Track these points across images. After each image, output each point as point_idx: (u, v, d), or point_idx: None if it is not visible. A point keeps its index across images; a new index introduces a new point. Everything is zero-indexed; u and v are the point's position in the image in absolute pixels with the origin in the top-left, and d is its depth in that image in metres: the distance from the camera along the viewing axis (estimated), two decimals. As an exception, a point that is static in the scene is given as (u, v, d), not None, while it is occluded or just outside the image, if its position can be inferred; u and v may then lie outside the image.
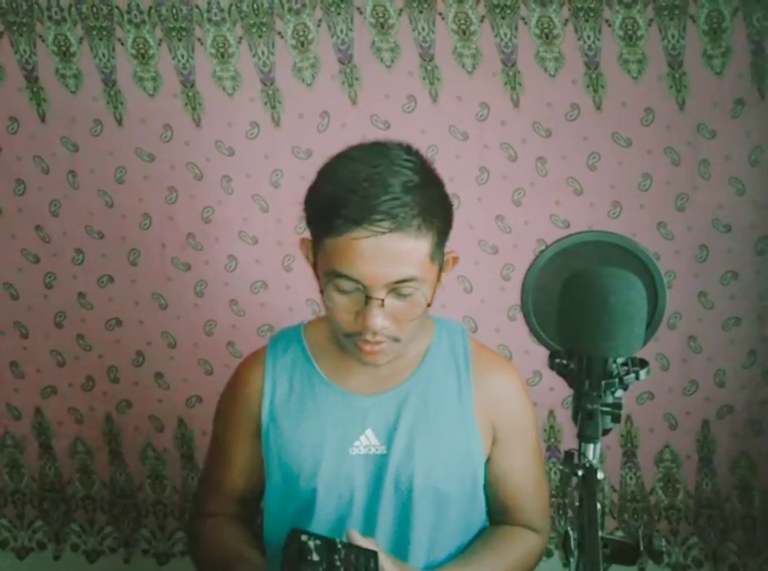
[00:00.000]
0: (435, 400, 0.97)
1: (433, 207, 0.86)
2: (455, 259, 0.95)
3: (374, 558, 0.80)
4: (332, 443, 0.95)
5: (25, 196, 1.64)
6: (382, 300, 0.83)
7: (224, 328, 1.65)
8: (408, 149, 0.88)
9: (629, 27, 1.46)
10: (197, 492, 1.12)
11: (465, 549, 1.00)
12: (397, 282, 0.84)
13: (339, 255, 0.83)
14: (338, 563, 0.76)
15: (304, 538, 0.77)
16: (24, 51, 1.56)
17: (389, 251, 0.82)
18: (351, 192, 0.82)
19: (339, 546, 0.79)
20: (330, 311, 0.89)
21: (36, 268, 1.67)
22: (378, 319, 0.84)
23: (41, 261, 1.66)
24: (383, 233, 0.81)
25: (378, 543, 0.86)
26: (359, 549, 0.81)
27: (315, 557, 0.75)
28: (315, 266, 0.91)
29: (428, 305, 0.87)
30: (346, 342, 0.91)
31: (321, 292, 0.89)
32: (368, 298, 0.84)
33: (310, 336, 1.02)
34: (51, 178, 1.62)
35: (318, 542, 0.78)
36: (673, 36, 1.46)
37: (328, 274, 0.86)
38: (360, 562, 0.78)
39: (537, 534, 1.04)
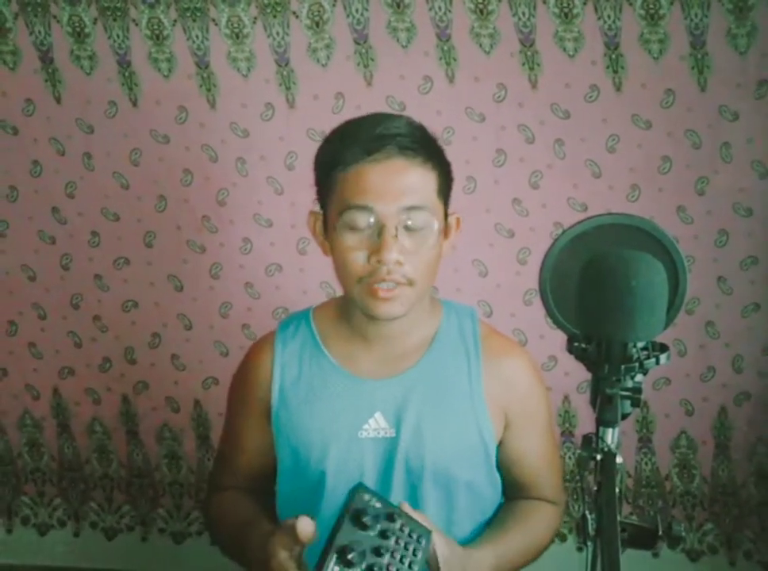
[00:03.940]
0: (444, 384, 0.97)
1: (436, 151, 0.91)
2: (458, 221, 0.98)
3: (428, 538, 0.79)
4: (340, 426, 0.95)
5: (42, 177, 1.64)
6: (395, 227, 0.85)
7: (240, 311, 1.66)
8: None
9: (651, 6, 1.43)
10: (212, 470, 1.14)
11: (488, 525, 1.01)
12: (409, 208, 0.86)
13: (350, 187, 0.86)
14: (389, 534, 0.74)
15: (366, 497, 0.76)
16: (39, 33, 1.56)
17: (398, 177, 0.85)
18: (359, 128, 0.88)
19: (397, 516, 0.77)
20: (342, 257, 0.89)
21: (53, 250, 1.68)
22: (393, 250, 0.85)
23: (57, 242, 1.68)
24: (389, 158, 0.85)
25: (429, 518, 0.84)
26: (416, 524, 0.79)
27: (369, 522, 0.74)
28: (324, 231, 0.93)
29: (441, 232, 0.89)
30: (358, 291, 0.89)
31: (329, 251, 0.91)
32: (382, 228, 0.85)
33: (319, 320, 1.02)
34: (67, 160, 1.62)
35: (378, 505, 0.76)
36: (696, 15, 1.42)
37: (340, 211, 0.87)
38: (413, 538, 0.76)
39: (555, 506, 1.05)
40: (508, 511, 1.03)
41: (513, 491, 1.05)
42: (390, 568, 0.72)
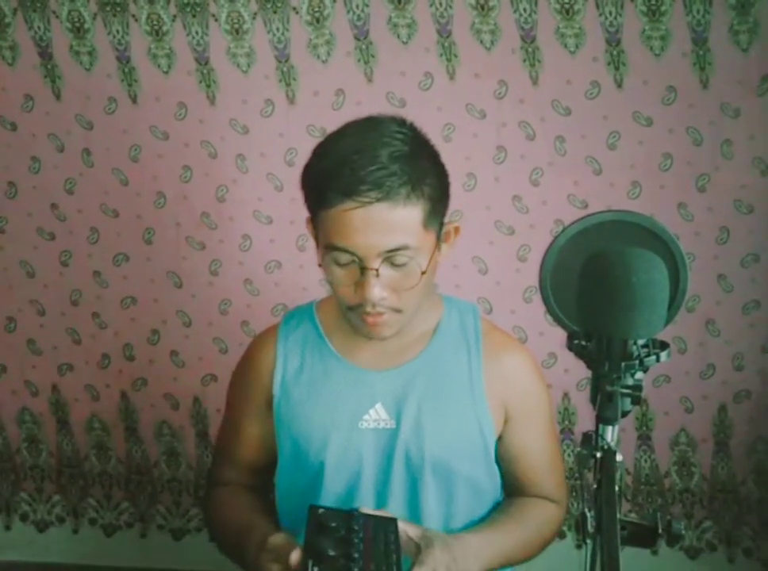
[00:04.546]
0: (444, 378, 0.97)
1: (423, 175, 0.86)
2: (457, 229, 0.95)
3: (394, 524, 0.81)
4: (341, 417, 0.96)
5: (41, 174, 1.64)
6: (377, 270, 0.85)
7: (239, 307, 1.65)
8: (401, 122, 0.89)
9: (653, 2, 1.42)
10: (211, 464, 1.14)
11: (484, 519, 1.01)
12: (390, 251, 0.84)
13: (332, 228, 0.85)
14: (356, 528, 0.77)
15: (321, 511, 0.79)
16: (39, 28, 1.55)
17: (379, 221, 0.83)
18: (341, 165, 0.84)
19: (357, 514, 0.80)
20: (331, 285, 0.91)
21: (52, 246, 1.68)
22: (375, 290, 0.85)
23: (57, 239, 1.67)
24: (371, 203, 0.82)
25: (393, 514, 0.87)
26: (378, 517, 0.82)
27: (333, 524, 0.77)
28: (317, 243, 0.93)
29: (423, 273, 0.87)
30: (350, 316, 0.91)
31: (320, 265, 0.90)
32: (363, 269, 0.85)
33: (322, 313, 1.03)
34: (66, 156, 1.62)
35: (336, 513, 0.79)
36: (698, 11, 1.42)
37: (325, 247, 0.88)
38: (379, 528, 0.79)
39: (555, 504, 1.05)
40: (505, 506, 1.03)
41: (514, 489, 1.05)
42: (368, 554, 0.74)
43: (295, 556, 0.78)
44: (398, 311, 0.89)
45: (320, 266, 0.90)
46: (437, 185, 0.89)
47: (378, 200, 0.82)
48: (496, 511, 1.02)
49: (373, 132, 0.86)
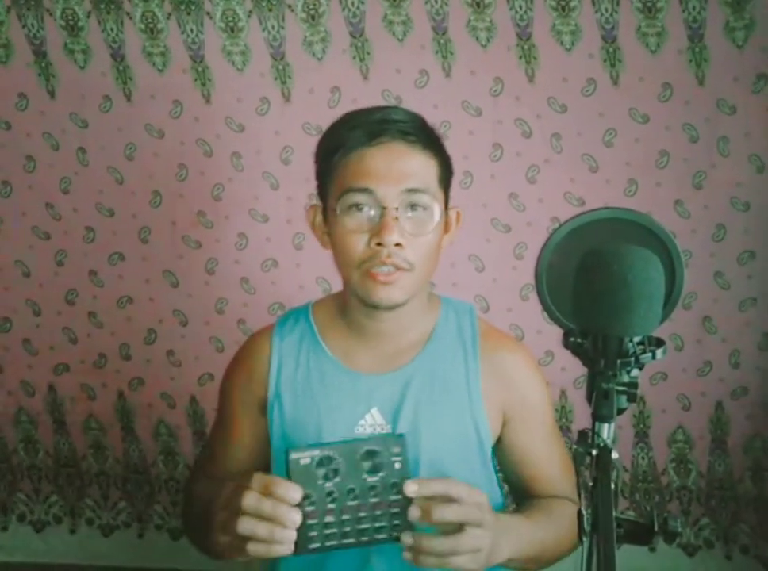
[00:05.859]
0: (441, 381, 0.96)
1: (436, 140, 0.92)
2: (459, 215, 0.98)
3: (397, 441, 0.74)
4: (336, 422, 0.95)
5: (35, 173, 1.63)
6: (396, 208, 0.85)
7: (235, 306, 1.65)
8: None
9: (648, -2, 1.42)
10: (199, 458, 1.12)
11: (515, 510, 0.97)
12: (410, 191, 0.86)
13: (351, 171, 0.87)
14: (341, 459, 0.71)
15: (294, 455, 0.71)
16: (32, 26, 1.54)
17: (399, 160, 0.87)
18: (360, 115, 0.90)
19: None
20: (342, 242, 0.88)
21: (47, 245, 1.67)
22: (394, 232, 0.85)
23: (52, 238, 1.67)
24: (393, 140, 0.87)
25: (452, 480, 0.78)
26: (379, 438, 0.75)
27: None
28: (324, 223, 0.93)
29: (444, 211, 0.89)
30: (358, 277, 0.88)
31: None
32: (383, 210, 0.85)
33: (318, 315, 1.01)
34: (61, 155, 1.61)
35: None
36: (694, 8, 1.42)
37: (340, 195, 0.87)
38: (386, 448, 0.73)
39: (575, 505, 1.00)
40: (530, 504, 0.97)
41: (526, 493, 1.00)
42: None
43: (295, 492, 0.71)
44: (410, 267, 0.87)
45: (327, 246, 0.91)
46: (446, 159, 0.93)
47: (398, 140, 0.86)
48: (522, 508, 0.96)
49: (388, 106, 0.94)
